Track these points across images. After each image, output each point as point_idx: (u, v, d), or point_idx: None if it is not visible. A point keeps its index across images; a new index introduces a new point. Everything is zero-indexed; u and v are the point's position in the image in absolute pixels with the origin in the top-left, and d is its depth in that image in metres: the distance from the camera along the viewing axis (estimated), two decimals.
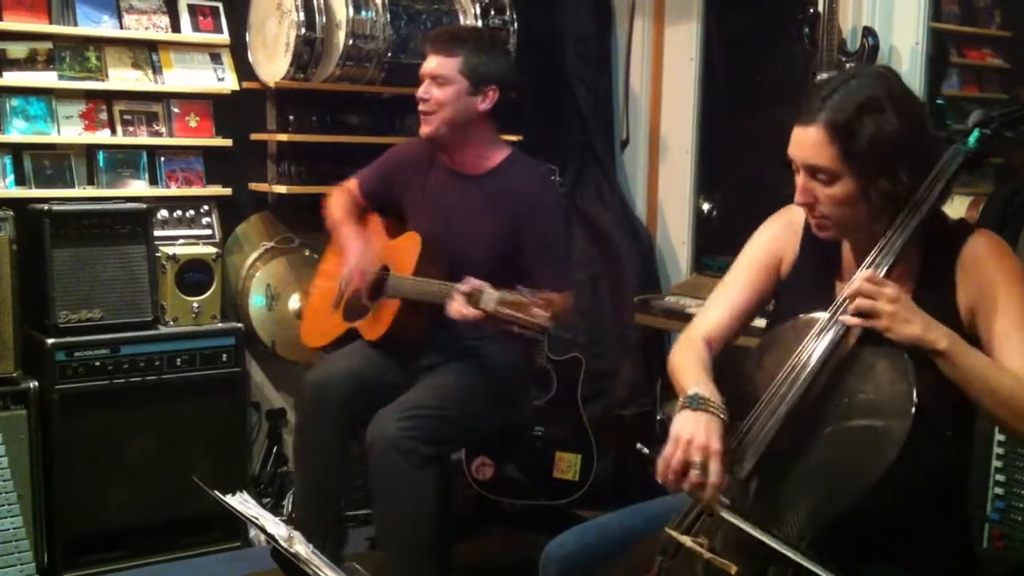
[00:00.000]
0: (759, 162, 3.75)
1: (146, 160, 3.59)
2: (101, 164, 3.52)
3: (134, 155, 3.57)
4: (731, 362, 1.92)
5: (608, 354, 3.95)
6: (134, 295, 3.29)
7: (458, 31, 2.88)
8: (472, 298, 2.34)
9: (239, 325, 3.51)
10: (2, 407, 3.02)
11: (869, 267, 1.72)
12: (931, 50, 3.17)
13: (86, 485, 3.19)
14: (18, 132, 3.37)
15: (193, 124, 3.66)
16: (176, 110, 3.63)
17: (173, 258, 3.37)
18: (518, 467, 3.56)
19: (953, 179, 1.74)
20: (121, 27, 3.54)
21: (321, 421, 2.82)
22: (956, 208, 3.19)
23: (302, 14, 3.44)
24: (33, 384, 3.09)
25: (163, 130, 3.62)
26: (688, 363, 1.87)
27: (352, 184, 3.07)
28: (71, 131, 3.46)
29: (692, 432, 1.69)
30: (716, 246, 3.90)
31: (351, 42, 3.52)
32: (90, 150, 3.52)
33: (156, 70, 3.61)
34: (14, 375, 3.06)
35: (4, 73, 3.34)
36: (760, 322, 2.05)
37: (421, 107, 2.81)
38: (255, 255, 3.74)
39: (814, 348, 1.69)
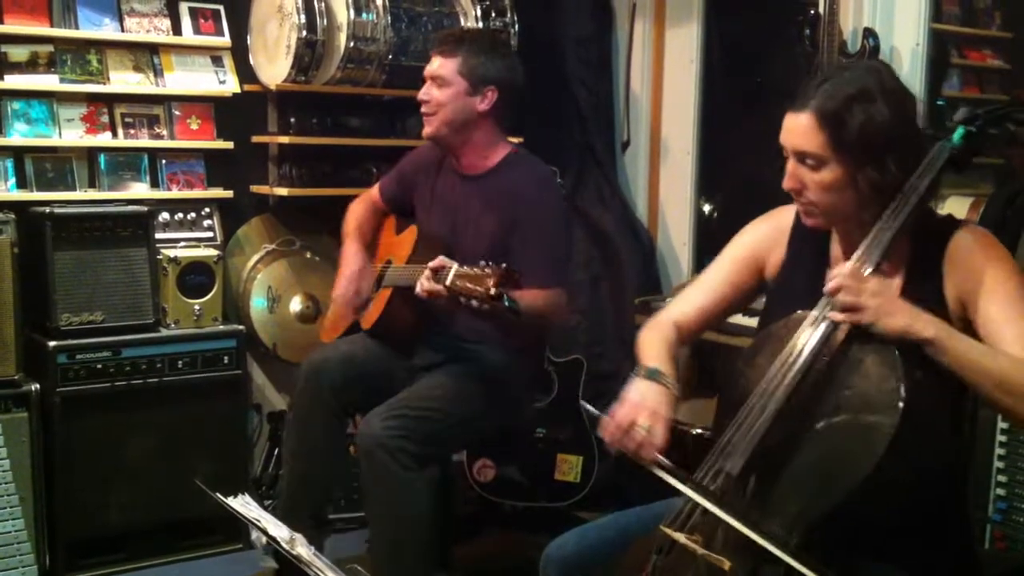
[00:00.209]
0: (760, 163, 3.73)
1: (147, 163, 3.60)
2: (102, 167, 3.52)
3: (135, 158, 3.58)
4: (726, 362, 1.93)
5: (609, 355, 3.95)
6: (135, 298, 3.29)
7: (460, 33, 2.91)
8: (437, 275, 2.36)
9: (240, 327, 3.51)
10: (4, 410, 3.02)
11: (856, 262, 1.73)
12: (932, 51, 3.17)
13: (88, 487, 3.19)
14: (19, 135, 3.37)
15: (194, 127, 3.67)
16: (177, 113, 3.64)
17: (174, 260, 3.37)
18: (519, 469, 3.56)
19: (939, 175, 1.76)
20: (122, 30, 3.54)
21: (314, 402, 2.85)
22: (957, 209, 3.19)
23: (303, 16, 3.44)
24: (35, 387, 3.09)
25: (164, 133, 3.62)
26: (652, 342, 1.97)
27: (375, 189, 3.13)
28: (72, 134, 3.47)
29: (644, 397, 1.81)
30: (717, 247, 3.82)
31: (352, 44, 3.52)
32: (91, 153, 3.52)
33: (157, 73, 3.61)
34: (16, 378, 3.06)
35: (5, 76, 3.35)
36: (753, 323, 2.06)
37: (422, 108, 2.83)
38: (256, 257, 3.74)
39: (803, 346, 1.71)
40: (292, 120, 3.71)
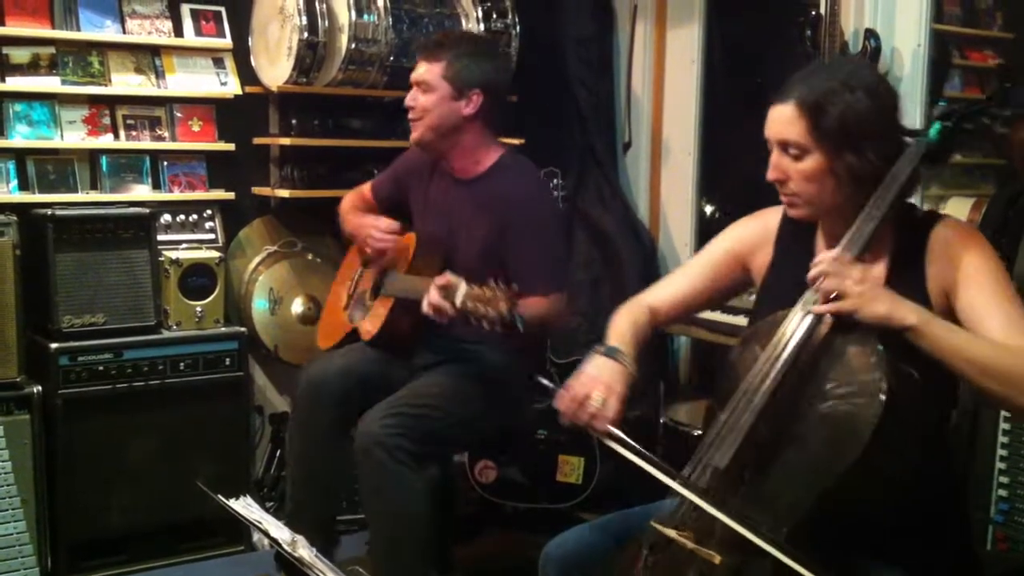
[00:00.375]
0: (761, 164, 3.74)
1: (149, 165, 3.60)
2: (104, 169, 3.52)
3: (137, 160, 3.58)
4: (718, 359, 1.95)
5: None
6: (137, 299, 3.29)
7: (444, 37, 2.86)
8: (446, 292, 2.34)
9: (242, 329, 3.51)
10: (6, 412, 3.02)
11: (841, 251, 1.75)
12: (933, 52, 3.17)
13: (89, 489, 3.19)
14: (21, 137, 3.37)
15: (196, 128, 3.67)
16: (179, 114, 3.64)
17: (176, 262, 3.37)
18: (521, 470, 3.56)
19: (918, 169, 1.79)
20: (124, 32, 3.55)
21: (315, 416, 2.83)
22: (959, 210, 3.20)
23: (304, 18, 3.45)
24: (36, 389, 3.09)
25: (166, 135, 3.62)
26: (621, 322, 2.04)
27: (366, 188, 3.12)
28: (74, 136, 3.47)
29: (599, 372, 1.88)
30: None
31: (353, 46, 3.53)
32: (93, 155, 3.53)
33: (159, 75, 3.61)
34: (17, 380, 3.06)
35: (7, 78, 3.35)
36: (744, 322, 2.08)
37: (409, 114, 2.82)
38: (258, 259, 3.75)
39: (788, 339, 1.73)
40: (293, 122, 3.71)
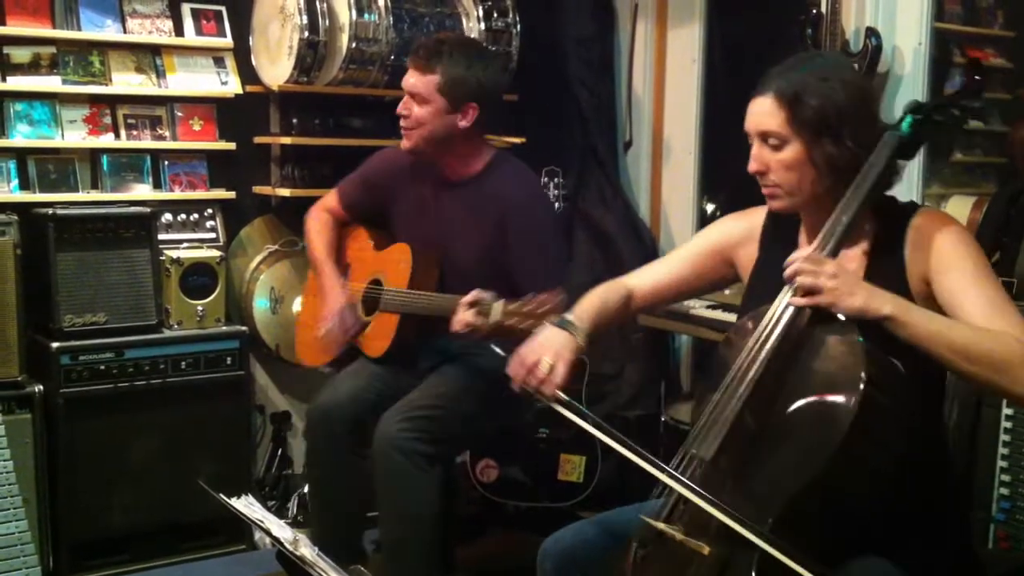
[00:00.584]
0: None
1: (150, 164, 3.60)
2: (105, 168, 3.52)
3: (138, 159, 3.58)
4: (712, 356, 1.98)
5: (611, 356, 3.95)
6: (138, 299, 3.29)
7: (438, 45, 2.77)
8: (479, 309, 2.32)
9: (243, 328, 3.51)
10: (7, 411, 3.01)
11: (816, 246, 1.78)
12: (934, 50, 3.17)
13: (91, 489, 3.20)
14: (22, 136, 3.37)
15: (197, 128, 3.67)
16: (180, 114, 3.64)
17: (177, 262, 3.37)
18: (522, 469, 3.56)
19: (893, 160, 1.82)
20: (124, 31, 3.55)
21: (331, 446, 2.82)
22: (960, 208, 3.20)
23: (305, 17, 3.45)
24: (38, 388, 3.09)
25: (167, 134, 3.62)
26: (589, 298, 2.09)
27: (331, 201, 3.04)
28: (75, 135, 3.47)
29: (550, 340, 1.94)
30: None
31: (354, 45, 3.52)
32: (94, 154, 3.53)
33: (159, 74, 3.61)
34: (19, 379, 3.07)
35: (8, 78, 3.35)
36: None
37: (402, 122, 2.78)
38: (259, 258, 3.74)
39: (770, 332, 1.75)
40: (294, 121, 3.72)
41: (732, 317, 3.12)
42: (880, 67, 3.11)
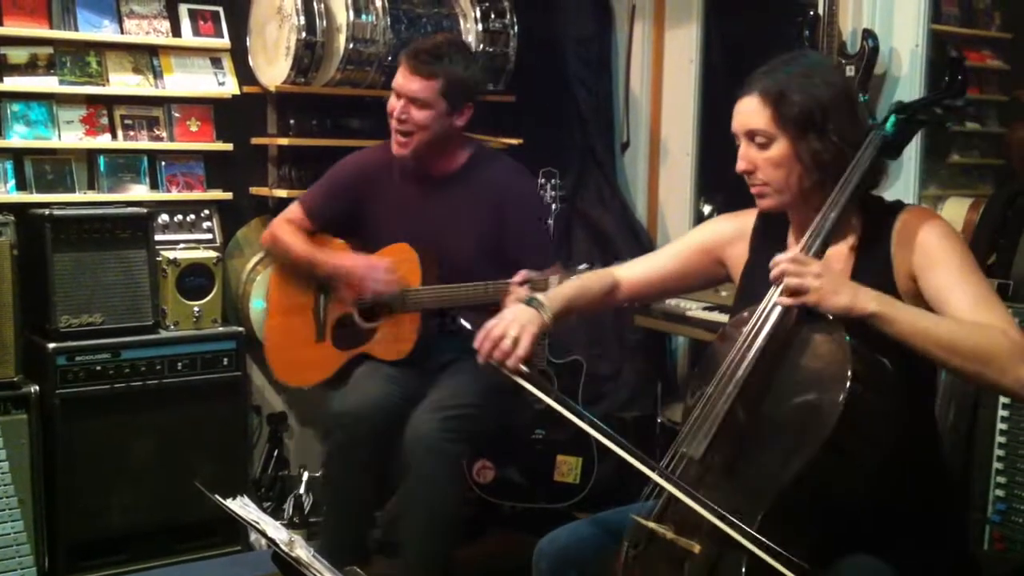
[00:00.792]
0: None
1: (147, 164, 3.60)
2: (102, 169, 3.52)
3: (135, 160, 3.58)
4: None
5: (608, 357, 3.95)
6: (135, 299, 3.29)
7: (436, 50, 2.79)
8: (532, 286, 2.37)
9: (240, 329, 3.51)
10: (3, 411, 3.02)
11: (802, 245, 1.80)
12: (931, 52, 3.17)
13: (87, 489, 3.19)
14: (19, 137, 3.37)
15: (194, 128, 3.67)
16: (177, 114, 3.64)
17: (174, 262, 3.37)
18: (519, 470, 3.56)
19: (878, 159, 1.84)
20: (122, 32, 3.54)
21: (356, 455, 2.83)
22: (957, 209, 3.20)
23: (302, 18, 3.45)
24: (34, 388, 3.09)
25: (164, 135, 3.62)
26: (569, 282, 2.16)
27: (294, 212, 3.03)
28: (72, 136, 3.47)
29: (517, 315, 1.96)
30: None
31: (351, 46, 3.53)
32: (91, 155, 3.52)
33: (157, 75, 3.61)
34: (15, 379, 3.07)
35: (5, 78, 3.35)
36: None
37: (398, 127, 2.80)
38: (256, 259, 3.74)
39: (758, 331, 1.76)
40: (291, 122, 3.71)
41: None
42: (877, 69, 3.11)
